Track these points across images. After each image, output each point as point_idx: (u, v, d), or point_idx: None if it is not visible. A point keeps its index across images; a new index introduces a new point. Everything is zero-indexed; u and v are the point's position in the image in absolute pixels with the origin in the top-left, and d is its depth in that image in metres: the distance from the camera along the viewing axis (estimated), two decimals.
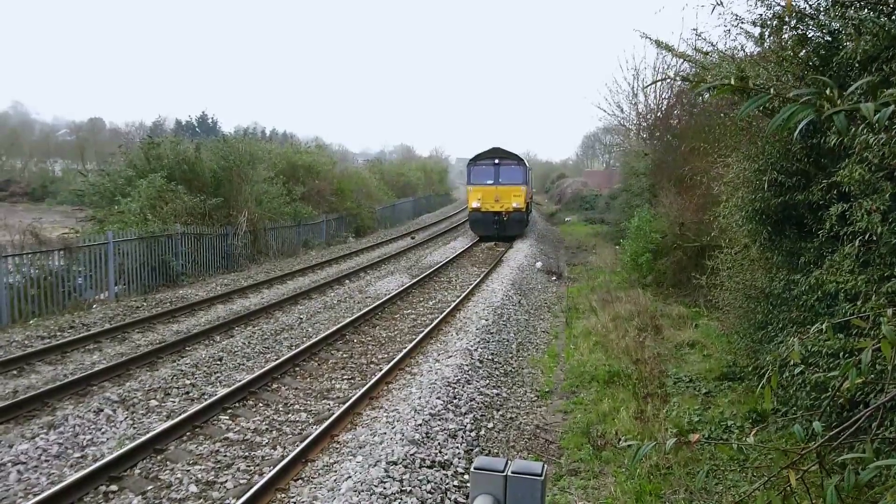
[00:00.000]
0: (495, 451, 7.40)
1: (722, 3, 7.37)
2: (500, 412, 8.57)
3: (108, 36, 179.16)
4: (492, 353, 10.92)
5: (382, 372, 9.45)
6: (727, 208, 8.50)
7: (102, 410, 8.03)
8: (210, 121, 77.06)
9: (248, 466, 6.80)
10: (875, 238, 5.27)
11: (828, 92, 1.62)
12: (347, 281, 18.44)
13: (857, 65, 5.79)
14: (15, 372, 9.80)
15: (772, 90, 1.72)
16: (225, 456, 7.04)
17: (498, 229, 27.76)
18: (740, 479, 6.14)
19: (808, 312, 6.55)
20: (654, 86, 25.07)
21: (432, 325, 12.51)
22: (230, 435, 7.58)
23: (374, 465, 6.24)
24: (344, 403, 8.40)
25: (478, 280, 17.87)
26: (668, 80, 21.72)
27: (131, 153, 22.60)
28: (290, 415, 8.27)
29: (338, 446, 7.16)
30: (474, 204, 27.88)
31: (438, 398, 8.32)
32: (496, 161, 27.82)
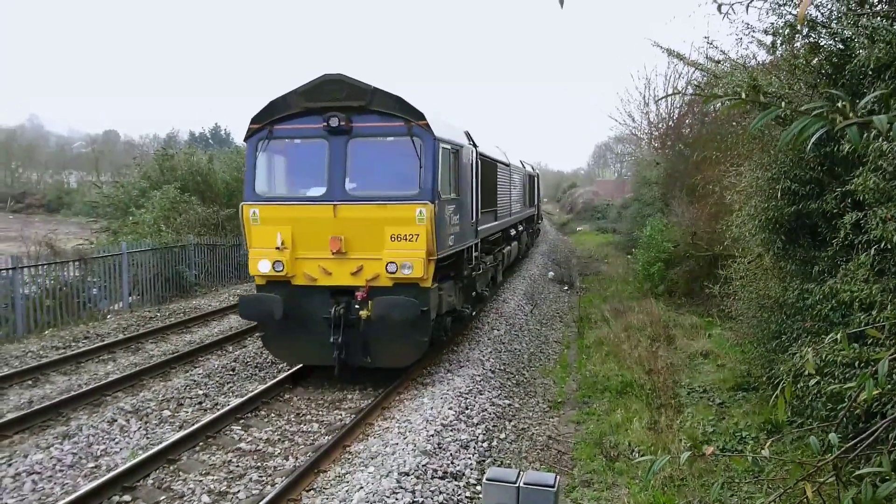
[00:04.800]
0: (507, 462, 7.36)
1: (733, 10, 7.36)
2: (513, 423, 8.53)
3: (124, 50, 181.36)
4: (504, 364, 10.88)
5: (394, 382, 9.43)
6: (740, 217, 8.46)
7: (116, 421, 8.07)
8: (223, 132, 77.69)
9: (261, 477, 6.80)
10: (890, 247, 5.22)
11: (840, 104, 1.62)
12: None
13: (870, 73, 5.76)
14: (30, 382, 9.88)
15: (783, 103, 1.72)
16: (237, 466, 7.05)
17: (340, 346, 8.92)
18: (756, 492, 6.07)
19: (822, 322, 6.48)
20: (665, 94, 24.95)
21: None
22: (242, 445, 7.59)
23: (386, 476, 6.22)
24: (356, 414, 8.39)
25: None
26: (680, 86, 21.70)
27: (145, 165, 22.88)
28: (302, 425, 8.27)
29: (350, 457, 7.15)
30: (263, 265, 9.05)
31: (450, 408, 8.29)
32: (329, 122, 8.81)
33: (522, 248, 22.08)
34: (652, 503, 5.96)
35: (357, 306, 8.82)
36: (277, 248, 8.94)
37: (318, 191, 9.14)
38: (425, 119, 8.79)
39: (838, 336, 2.54)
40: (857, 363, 5.16)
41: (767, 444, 3.37)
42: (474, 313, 12.83)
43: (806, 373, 4.17)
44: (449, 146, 9.59)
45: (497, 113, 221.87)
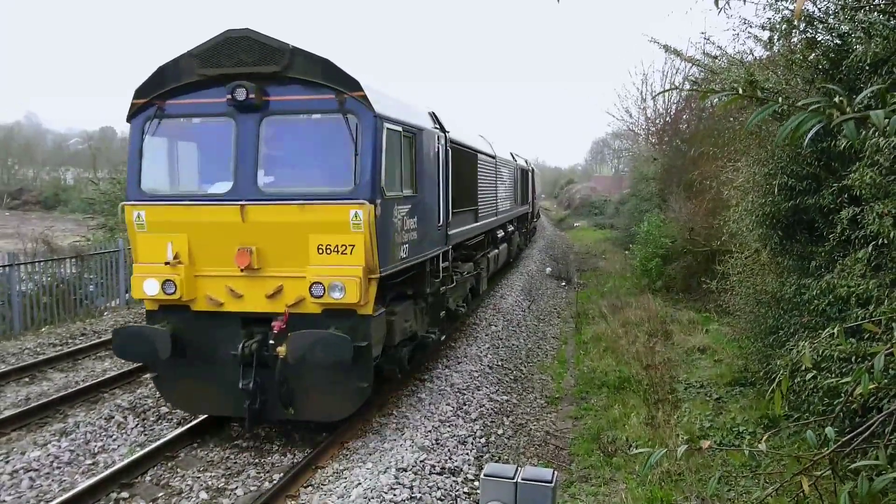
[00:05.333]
0: (505, 457, 7.37)
1: (729, 5, 7.36)
2: (510, 418, 8.55)
3: (121, 50, 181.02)
4: (501, 360, 10.89)
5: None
6: (737, 213, 8.47)
7: (113, 417, 8.06)
8: None
9: (259, 473, 6.80)
10: (887, 242, 5.24)
11: (836, 100, 1.62)
12: None
13: (866, 68, 5.76)
14: (27, 379, 9.87)
15: (780, 98, 1.72)
16: (235, 463, 7.05)
17: (252, 392, 6.91)
18: (752, 486, 6.09)
19: (819, 317, 6.50)
20: (662, 90, 24.97)
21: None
22: (240, 442, 7.59)
23: (384, 472, 6.23)
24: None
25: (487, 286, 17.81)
26: (677, 82, 21.71)
27: None
28: (300, 421, 8.28)
29: (347, 453, 7.15)
30: (149, 286, 6.98)
31: (448, 404, 8.30)
32: (234, 95, 6.77)
33: (514, 251, 20.27)
34: (649, 498, 5.98)
35: (273, 341, 6.77)
36: (168, 264, 6.91)
37: (222, 187, 7.06)
38: (362, 90, 6.71)
39: (835, 331, 2.55)
40: (853, 358, 5.17)
41: (764, 438, 3.39)
42: (444, 337, 10.33)
43: (803, 367, 4.19)
44: (400, 128, 7.50)
45: (495, 111, 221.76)
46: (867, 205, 5.55)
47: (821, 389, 5.67)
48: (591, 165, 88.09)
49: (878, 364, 2.28)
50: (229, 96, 6.72)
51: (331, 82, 6.73)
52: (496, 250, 15.54)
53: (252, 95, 6.69)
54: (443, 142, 9.35)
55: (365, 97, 6.69)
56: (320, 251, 6.69)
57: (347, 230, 6.61)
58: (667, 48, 15.51)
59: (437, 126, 9.29)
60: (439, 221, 9.12)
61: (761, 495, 3.21)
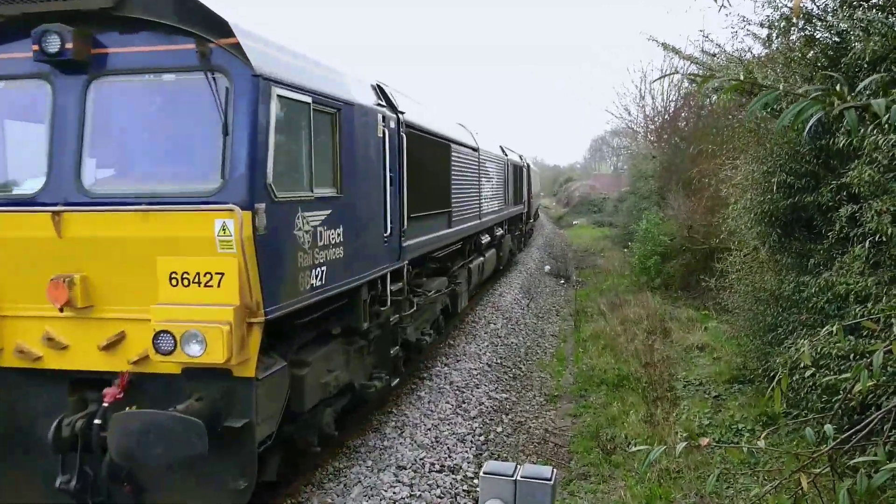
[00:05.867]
0: (504, 455, 7.38)
1: (729, 2, 7.36)
2: (510, 416, 8.56)
3: None
4: (500, 358, 10.90)
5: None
6: (736, 210, 8.49)
7: None
8: None
9: None
10: (885, 239, 5.25)
11: (837, 89, 1.62)
12: None
13: (865, 65, 5.77)
14: None
15: (781, 84, 1.71)
16: None
17: (78, 493, 4.64)
18: (751, 483, 6.10)
19: (818, 315, 6.51)
20: (661, 88, 24.91)
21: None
22: None
23: (384, 470, 6.24)
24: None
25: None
26: (676, 80, 21.70)
27: None
28: None
29: (347, 451, 7.16)
30: None
31: (447, 402, 8.31)
32: (43, 46, 4.48)
33: (504, 256, 17.87)
34: (648, 495, 5.99)
35: (99, 420, 4.63)
36: None
37: (32, 185, 4.91)
38: (233, 35, 4.48)
39: (834, 328, 2.56)
40: (852, 355, 5.19)
41: (763, 435, 3.39)
42: (396, 381, 7.91)
43: (801, 365, 4.20)
44: (308, 98, 5.22)
45: (493, 108, 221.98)
46: (866, 202, 5.56)
47: (819, 387, 5.69)
48: (590, 163, 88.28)
49: (877, 361, 2.29)
50: (36, 47, 4.56)
51: (188, 25, 4.57)
52: (480, 258, 13.54)
53: (70, 45, 4.49)
54: (393, 125, 7.21)
55: (238, 46, 4.48)
56: (174, 282, 4.51)
57: (212, 250, 4.47)
58: (665, 46, 15.50)
59: (384, 103, 7.10)
60: (386, 230, 6.99)
61: (760, 492, 3.22)
